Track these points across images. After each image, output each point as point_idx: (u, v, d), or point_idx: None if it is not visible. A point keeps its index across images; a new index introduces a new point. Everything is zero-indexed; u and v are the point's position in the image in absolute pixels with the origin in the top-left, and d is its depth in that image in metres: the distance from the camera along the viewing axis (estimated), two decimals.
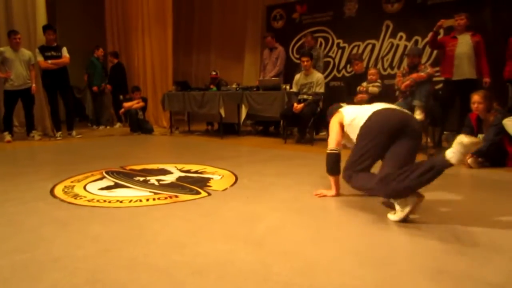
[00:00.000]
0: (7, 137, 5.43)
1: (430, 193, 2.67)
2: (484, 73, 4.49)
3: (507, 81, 4.70)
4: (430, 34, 4.80)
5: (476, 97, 3.61)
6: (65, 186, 2.87)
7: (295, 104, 5.04)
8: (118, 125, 7.80)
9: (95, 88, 7.51)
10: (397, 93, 4.59)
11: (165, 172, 3.38)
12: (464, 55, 4.46)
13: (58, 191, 2.74)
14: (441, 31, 4.65)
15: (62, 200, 2.52)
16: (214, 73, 7.28)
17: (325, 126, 5.29)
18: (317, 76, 5.25)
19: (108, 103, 7.95)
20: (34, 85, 5.61)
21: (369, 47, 6.96)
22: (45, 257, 1.64)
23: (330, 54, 7.42)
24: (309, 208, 2.38)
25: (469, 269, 1.51)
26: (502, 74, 4.59)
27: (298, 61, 7.40)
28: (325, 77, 6.55)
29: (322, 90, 5.13)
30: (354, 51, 7.08)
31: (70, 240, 1.83)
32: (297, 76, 5.45)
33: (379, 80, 4.68)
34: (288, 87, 5.63)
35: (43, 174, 3.37)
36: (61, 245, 1.77)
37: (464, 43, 4.47)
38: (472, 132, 3.71)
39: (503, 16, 5.55)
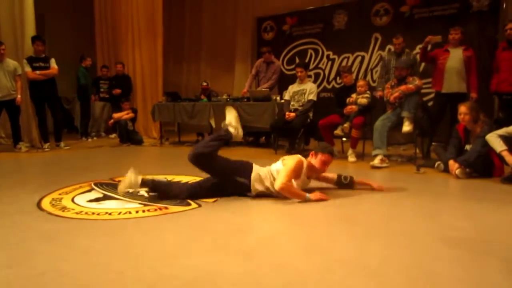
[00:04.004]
0: None
1: (419, 203, 2.69)
2: (472, 88, 4.55)
3: (493, 94, 4.79)
4: (420, 49, 4.90)
5: (462, 108, 3.67)
6: (53, 199, 2.82)
7: (287, 113, 5.11)
8: (114, 135, 7.50)
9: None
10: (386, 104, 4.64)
11: None
12: (454, 70, 4.53)
13: (45, 203, 2.69)
14: (429, 46, 4.75)
15: (49, 213, 2.47)
16: (205, 83, 7.29)
17: (315, 136, 5.36)
18: (311, 84, 5.33)
19: (99, 113, 7.83)
20: (19, 96, 5.53)
21: (359, 59, 7.07)
22: (31, 271, 1.59)
23: (320, 65, 7.52)
24: (300, 220, 2.37)
25: (461, 279, 1.51)
26: (488, 86, 4.68)
27: (289, 73, 7.48)
28: None
29: (314, 98, 5.18)
30: (344, 63, 7.17)
31: (57, 254, 1.79)
32: (290, 86, 5.49)
33: (368, 92, 4.72)
34: (278, 98, 5.66)
35: (30, 186, 3.31)
36: (47, 259, 1.73)
37: (455, 57, 4.54)
38: (460, 143, 3.76)
39: (488, 30, 5.70)
